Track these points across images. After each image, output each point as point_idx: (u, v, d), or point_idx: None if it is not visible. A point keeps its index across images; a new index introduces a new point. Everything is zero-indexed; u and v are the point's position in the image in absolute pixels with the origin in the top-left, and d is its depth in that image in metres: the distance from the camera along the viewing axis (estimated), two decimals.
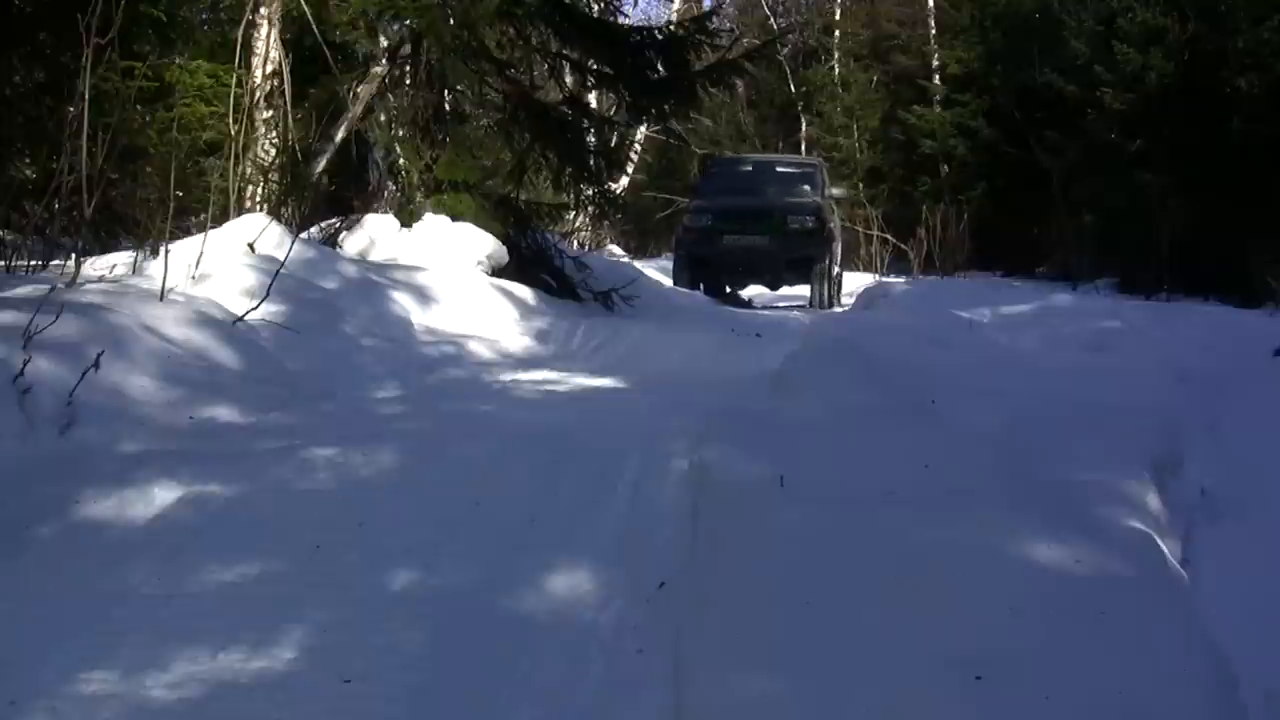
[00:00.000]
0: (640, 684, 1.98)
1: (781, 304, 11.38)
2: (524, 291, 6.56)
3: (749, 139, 21.98)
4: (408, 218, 7.07)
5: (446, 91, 7.66)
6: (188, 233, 5.58)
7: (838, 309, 10.64)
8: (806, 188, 11.88)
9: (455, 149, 7.45)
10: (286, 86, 7.06)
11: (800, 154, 19.56)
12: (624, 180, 15.47)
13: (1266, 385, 4.08)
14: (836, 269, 11.60)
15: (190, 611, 2.18)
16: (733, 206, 11.29)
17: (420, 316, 5.57)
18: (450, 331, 5.57)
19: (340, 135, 7.41)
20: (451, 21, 7.18)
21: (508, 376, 4.87)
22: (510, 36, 7.79)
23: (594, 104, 11.41)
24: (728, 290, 11.65)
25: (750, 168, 13.42)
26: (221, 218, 5.53)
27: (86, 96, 4.22)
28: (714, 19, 11.70)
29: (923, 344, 5.70)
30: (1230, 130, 10.34)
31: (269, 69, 7.46)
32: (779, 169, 13.17)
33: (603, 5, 8.32)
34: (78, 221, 4.57)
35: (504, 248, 7.01)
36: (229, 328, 4.08)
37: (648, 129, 16.43)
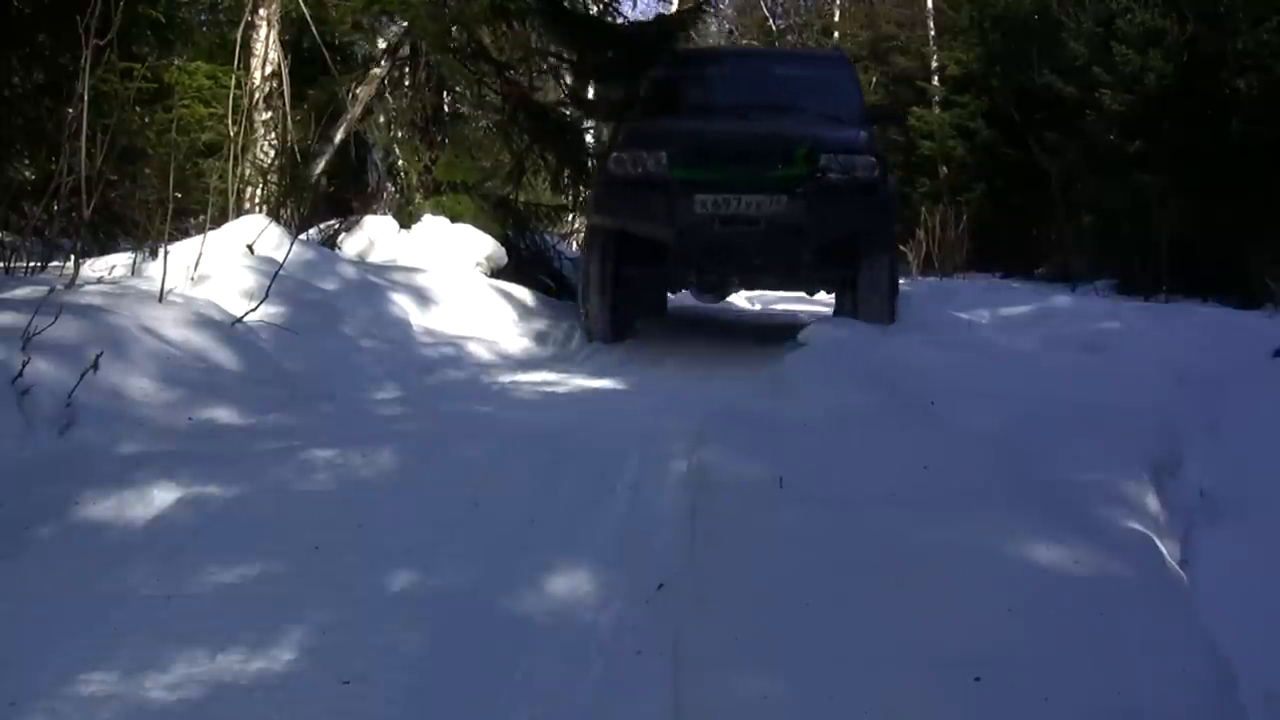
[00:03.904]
0: (640, 684, 1.98)
1: (778, 305, 9.61)
2: (523, 293, 6.57)
3: None
4: (407, 219, 7.09)
5: (445, 93, 7.68)
6: (187, 234, 5.58)
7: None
8: (842, 102, 6.45)
9: (454, 150, 7.47)
10: (285, 88, 7.06)
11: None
12: None
13: (1266, 386, 4.07)
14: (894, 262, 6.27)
15: (189, 612, 2.17)
16: (710, 135, 5.86)
17: (419, 318, 5.58)
18: (449, 333, 5.58)
19: (339, 136, 7.42)
20: (445, 19, 7.19)
21: (507, 377, 4.88)
22: (509, 38, 7.80)
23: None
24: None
25: (731, 65, 7.25)
26: (220, 219, 5.54)
27: (85, 97, 4.22)
28: (707, 5, 11.56)
29: (922, 345, 5.69)
30: (1229, 131, 10.33)
31: (268, 70, 7.45)
32: (782, 70, 7.31)
33: (601, 6, 8.34)
34: (77, 223, 4.57)
35: (503, 249, 7.03)
36: (228, 329, 4.08)
37: None
